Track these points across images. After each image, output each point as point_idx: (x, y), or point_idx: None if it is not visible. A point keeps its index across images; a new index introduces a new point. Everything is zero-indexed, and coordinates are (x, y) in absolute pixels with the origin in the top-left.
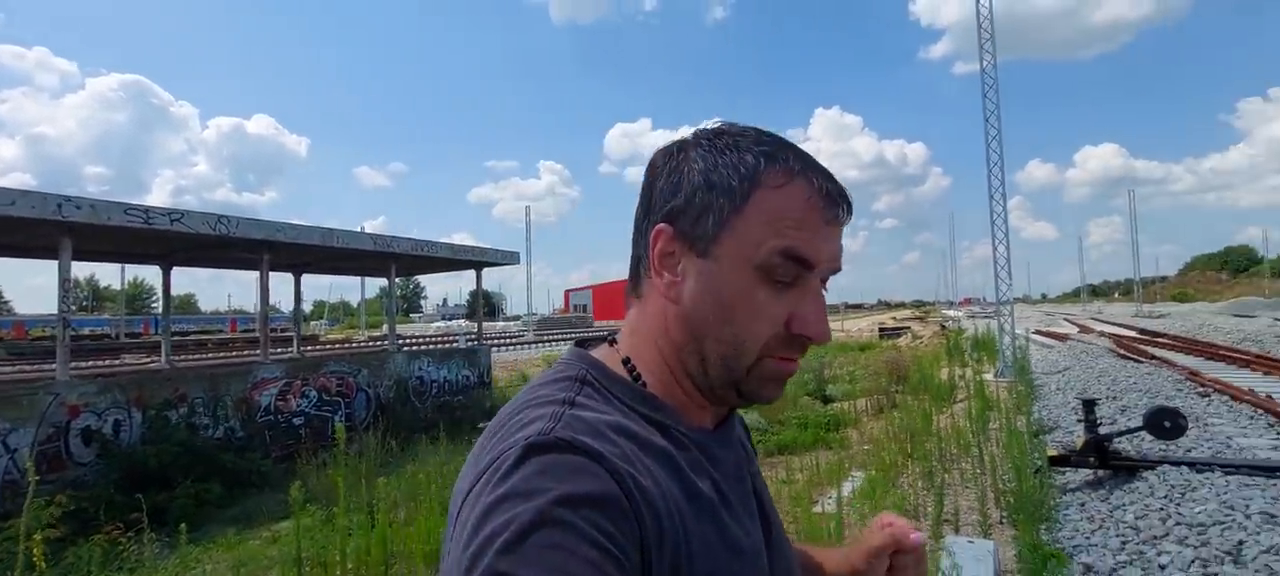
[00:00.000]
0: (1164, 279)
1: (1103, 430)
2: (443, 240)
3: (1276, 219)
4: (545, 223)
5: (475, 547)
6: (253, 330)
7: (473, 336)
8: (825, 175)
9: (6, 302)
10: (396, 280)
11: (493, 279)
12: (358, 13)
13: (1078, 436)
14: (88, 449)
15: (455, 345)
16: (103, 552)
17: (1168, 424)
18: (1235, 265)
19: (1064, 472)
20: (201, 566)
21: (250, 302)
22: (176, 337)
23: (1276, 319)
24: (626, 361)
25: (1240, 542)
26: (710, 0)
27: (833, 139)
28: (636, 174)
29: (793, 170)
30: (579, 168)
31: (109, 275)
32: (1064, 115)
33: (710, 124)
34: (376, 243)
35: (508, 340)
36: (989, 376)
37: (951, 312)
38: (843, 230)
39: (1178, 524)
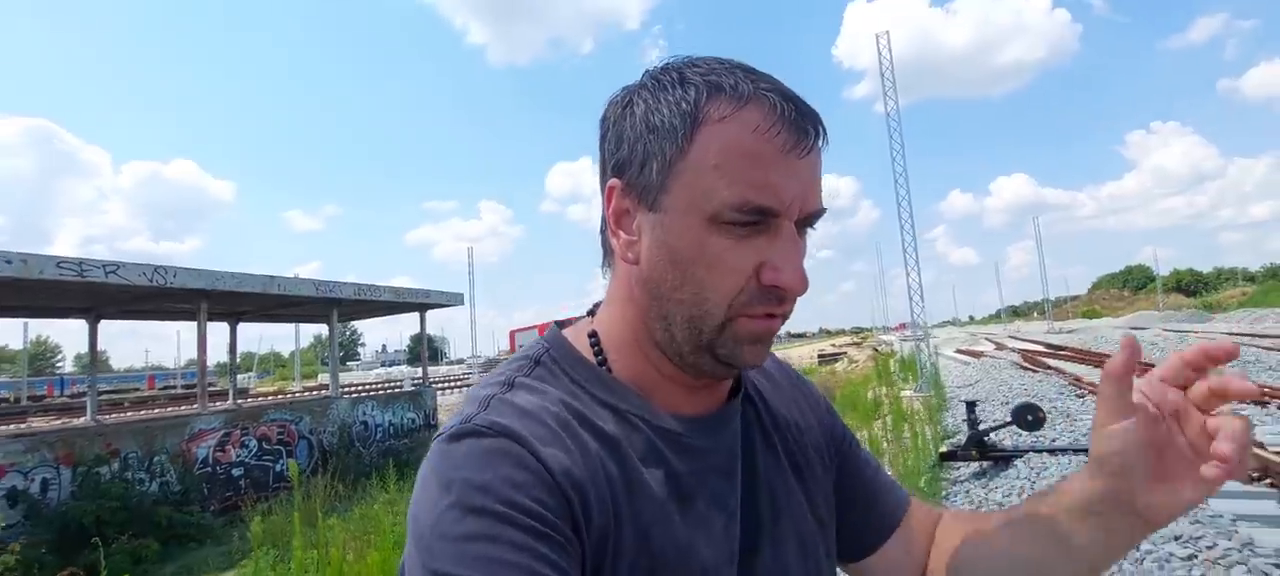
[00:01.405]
0: (1075, 298)
1: (981, 427)
2: (384, 284)
3: (1167, 239)
4: (488, 262)
5: (409, 547)
6: (172, 386)
7: (418, 380)
8: (785, 95)
9: None
10: (335, 326)
11: (435, 322)
12: (288, 54)
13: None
14: (14, 510)
15: (401, 388)
16: None
17: (1030, 417)
18: (1135, 283)
19: (957, 466)
20: None
21: (168, 357)
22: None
23: (1165, 330)
24: (592, 336)
25: None
26: (645, 44)
27: None
28: (578, 211)
29: (741, 96)
30: (521, 207)
31: (7, 333)
32: (979, 148)
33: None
34: (319, 288)
35: (453, 382)
36: (909, 393)
37: (887, 337)
38: (820, 162)
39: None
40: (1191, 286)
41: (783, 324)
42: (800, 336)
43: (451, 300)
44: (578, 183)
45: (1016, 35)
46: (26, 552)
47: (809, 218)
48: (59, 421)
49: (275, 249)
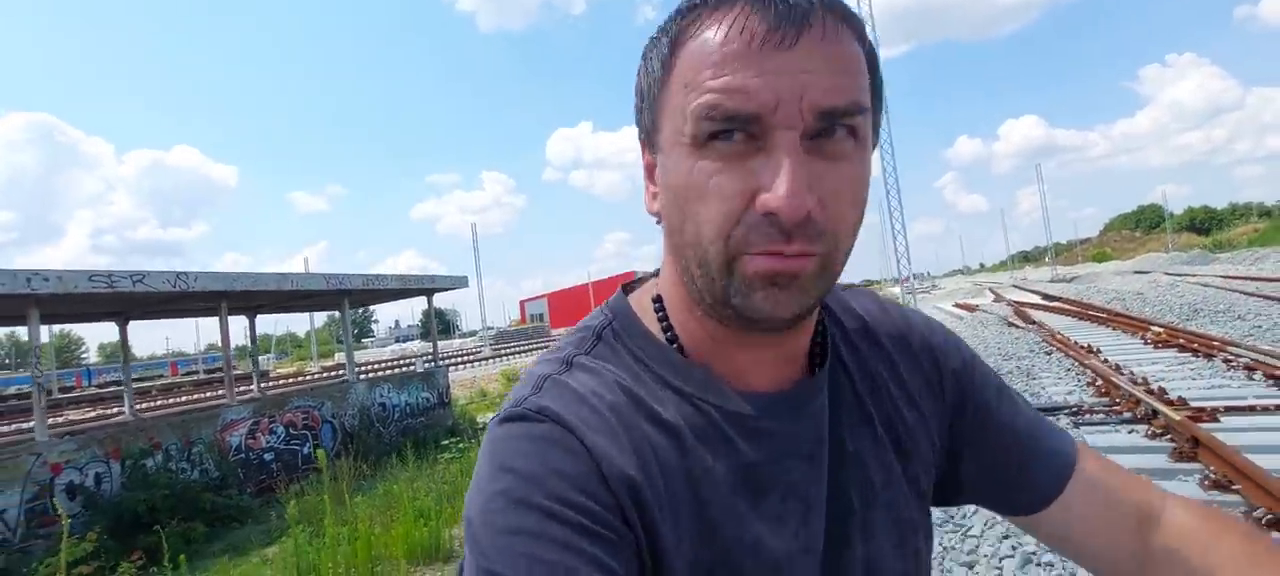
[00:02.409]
0: (1086, 240)
1: None
2: (390, 271)
3: (1183, 176)
4: (493, 233)
5: (465, 530)
6: (195, 371)
7: (430, 357)
8: None
9: None
10: (348, 309)
11: (446, 297)
12: (280, 36)
13: None
14: (73, 502)
15: (413, 369)
16: None
17: None
18: (1148, 223)
19: None
20: None
21: (188, 343)
22: (115, 386)
23: (1168, 275)
24: (657, 301)
25: None
26: (638, 1)
27: None
28: (581, 178)
29: (714, 4)
30: (523, 175)
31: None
32: (986, 91)
33: None
34: (329, 281)
35: (465, 357)
36: None
37: (895, 289)
38: (835, 49)
39: None
40: (1204, 224)
41: (812, 265)
42: None
43: (456, 283)
44: (578, 148)
45: None
46: (98, 538)
47: (828, 118)
48: (94, 413)
49: (282, 230)
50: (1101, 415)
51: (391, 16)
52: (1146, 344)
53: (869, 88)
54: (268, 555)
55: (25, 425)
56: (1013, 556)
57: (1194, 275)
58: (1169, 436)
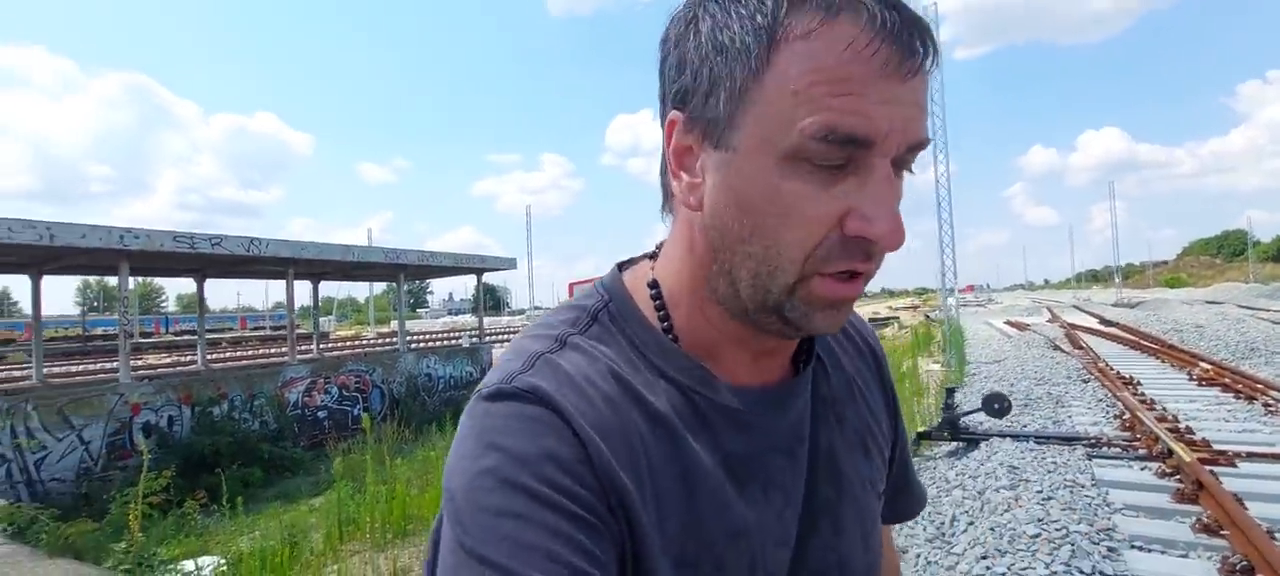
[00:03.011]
0: (1162, 263)
1: (955, 412)
2: (448, 247)
3: (1276, 201)
4: (549, 215)
5: (444, 504)
6: (262, 328)
7: (477, 332)
8: (886, 2)
9: (15, 303)
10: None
11: (497, 274)
12: (360, 9)
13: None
14: (148, 440)
15: (459, 343)
16: (186, 515)
17: (997, 405)
18: (1231, 249)
19: (939, 444)
20: (260, 526)
21: (257, 299)
22: (189, 335)
23: (1240, 307)
24: (653, 287)
25: (982, 490)
26: None
27: None
28: (638, 165)
29: (831, 5)
30: (581, 159)
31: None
32: (1067, 98)
33: None
34: (387, 255)
35: (511, 334)
36: (935, 367)
37: (950, 301)
38: (925, 83)
39: (971, 477)
40: None
41: (866, 285)
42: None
43: (505, 264)
44: (637, 135)
45: None
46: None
47: (909, 154)
48: (170, 359)
49: (350, 198)
50: (1118, 449)
51: None
52: (1191, 380)
53: None
54: (314, 504)
55: (110, 365)
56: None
57: (1267, 311)
58: (1177, 476)
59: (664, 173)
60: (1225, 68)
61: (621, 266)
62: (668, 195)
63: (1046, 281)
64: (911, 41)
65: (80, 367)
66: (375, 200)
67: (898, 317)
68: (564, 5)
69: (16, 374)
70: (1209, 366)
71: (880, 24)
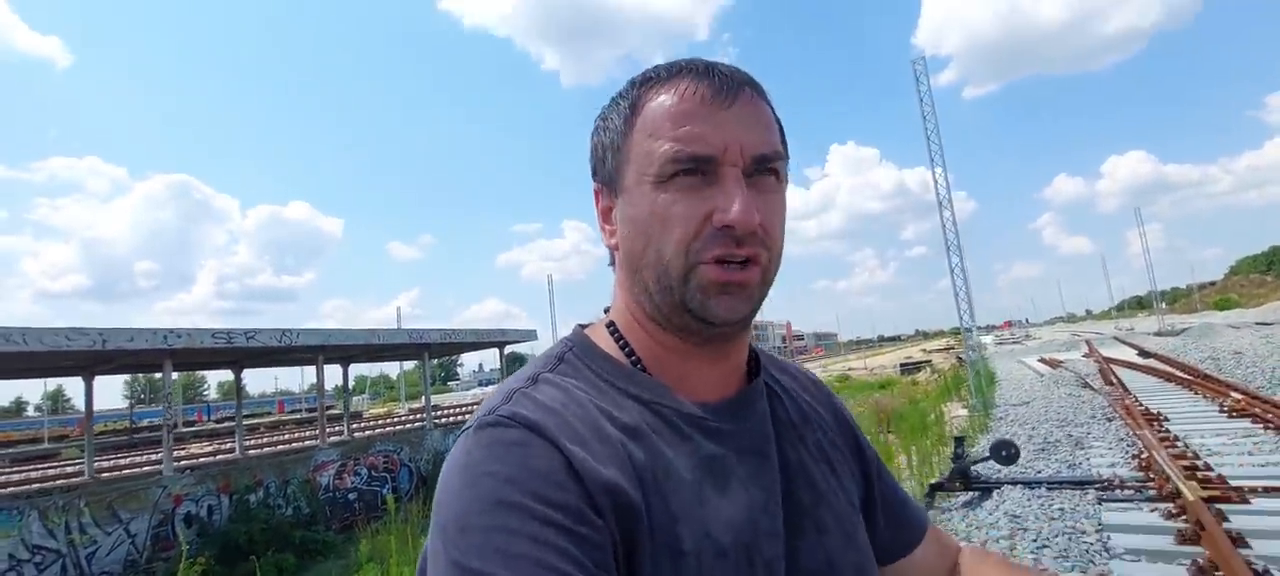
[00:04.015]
0: (1209, 285)
1: (965, 461)
2: (476, 316)
3: None
4: (572, 281)
5: (432, 535)
6: (298, 411)
7: None
8: (708, 64)
9: (68, 399)
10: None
11: (524, 343)
12: (385, 98)
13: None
14: (190, 530)
15: None
16: None
17: (1005, 452)
18: None
19: (952, 495)
20: None
21: (294, 382)
22: (229, 421)
23: None
24: (611, 327)
25: (984, 542)
26: (714, 51)
27: (851, 173)
28: None
29: (667, 74)
30: None
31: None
32: (1085, 126)
33: None
34: (411, 336)
35: None
36: (963, 412)
37: (986, 338)
38: (758, 111)
39: (978, 527)
40: None
41: (755, 274)
42: (894, 339)
43: (526, 337)
44: None
45: (1121, 3)
46: (207, 565)
47: (760, 163)
48: (211, 447)
49: (380, 277)
50: (1131, 492)
51: (484, 78)
52: (1222, 411)
53: (782, 142)
54: None
55: (155, 456)
56: None
57: None
58: (1182, 517)
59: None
60: (1249, 81)
61: (582, 327)
62: (612, 258)
63: (1087, 312)
64: (728, 81)
65: (128, 461)
66: (404, 277)
67: (930, 361)
68: (575, 78)
69: (70, 469)
70: (1241, 396)
71: (702, 73)
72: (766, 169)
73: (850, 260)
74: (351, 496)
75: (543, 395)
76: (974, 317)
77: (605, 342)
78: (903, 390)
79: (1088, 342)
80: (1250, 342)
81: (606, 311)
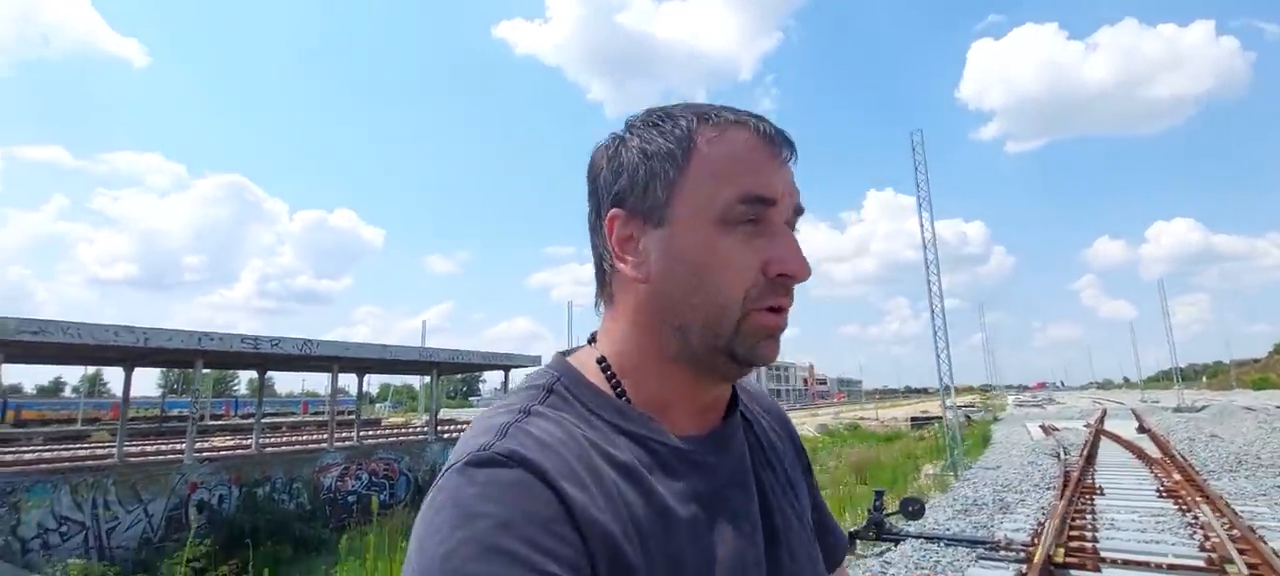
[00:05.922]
0: (1253, 361)
1: (879, 514)
2: (506, 336)
3: None
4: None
5: (411, 573)
6: (322, 413)
7: None
8: (760, 117)
9: (105, 383)
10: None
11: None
12: (434, 115)
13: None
14: (200, 515)
15: None
16: None
17: (911, 509)
18: None
19: (877, 544)
20: None
21: (321, 385)
22: (253, 419)
23: None
24: (602, 362)
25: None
26: (757, 92)
27: (888, 219)
28: None
29: (725, 121)
30: None
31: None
32: (1131, 189)
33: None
34: (421, 354)
35: None
36: (932, 471)
37: (1010, 399)
38: (793, 169)
39: (898, 564)
40: None
41: (787, 320)
42: (921, 391)
43: (530, 363)
44: None
45: (1171, 67)
46: (211, 548)
47: (795, 215)
48: (233, 441)
49: (415, 288)
50: (1010, 553)
51: (531, 103)
52: (1158, 492)
53: None
54: None
55: (179, 444)
56: None
57: None
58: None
59: (599, 266)
60: None
61: (563, 354)
62: (602, 286)
63: (1125, 379)
64: (783, 140)
65: (155, 448)
66: (439, 291)
67: (941, 418)
68: (619, 110)
69: (100, 451)
70: (1180, 478)
71: (759, 129)
72: (799, 220)
73: (882, 307)
74: (351, 498)
75: (536, 429)
76: (953, 377)
77: (596, 376)
78: (904, 445)
79: (1104, 411)
80: (1248, 427)
81: (591, 341)
